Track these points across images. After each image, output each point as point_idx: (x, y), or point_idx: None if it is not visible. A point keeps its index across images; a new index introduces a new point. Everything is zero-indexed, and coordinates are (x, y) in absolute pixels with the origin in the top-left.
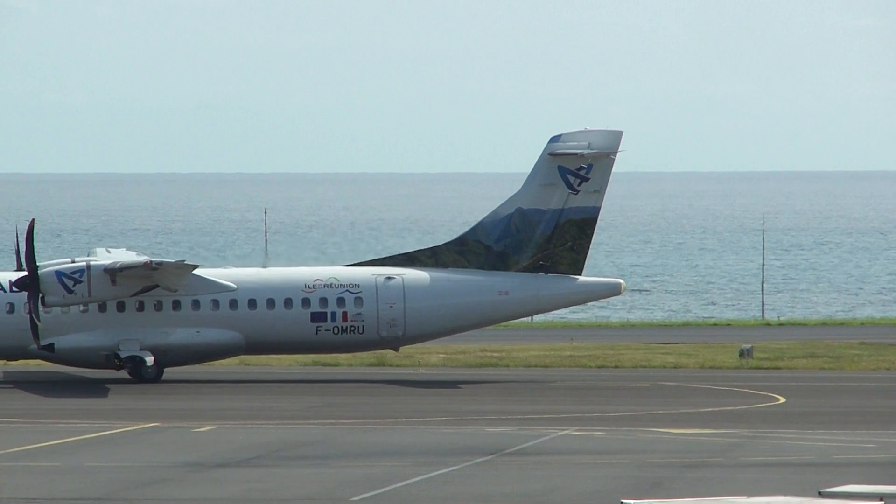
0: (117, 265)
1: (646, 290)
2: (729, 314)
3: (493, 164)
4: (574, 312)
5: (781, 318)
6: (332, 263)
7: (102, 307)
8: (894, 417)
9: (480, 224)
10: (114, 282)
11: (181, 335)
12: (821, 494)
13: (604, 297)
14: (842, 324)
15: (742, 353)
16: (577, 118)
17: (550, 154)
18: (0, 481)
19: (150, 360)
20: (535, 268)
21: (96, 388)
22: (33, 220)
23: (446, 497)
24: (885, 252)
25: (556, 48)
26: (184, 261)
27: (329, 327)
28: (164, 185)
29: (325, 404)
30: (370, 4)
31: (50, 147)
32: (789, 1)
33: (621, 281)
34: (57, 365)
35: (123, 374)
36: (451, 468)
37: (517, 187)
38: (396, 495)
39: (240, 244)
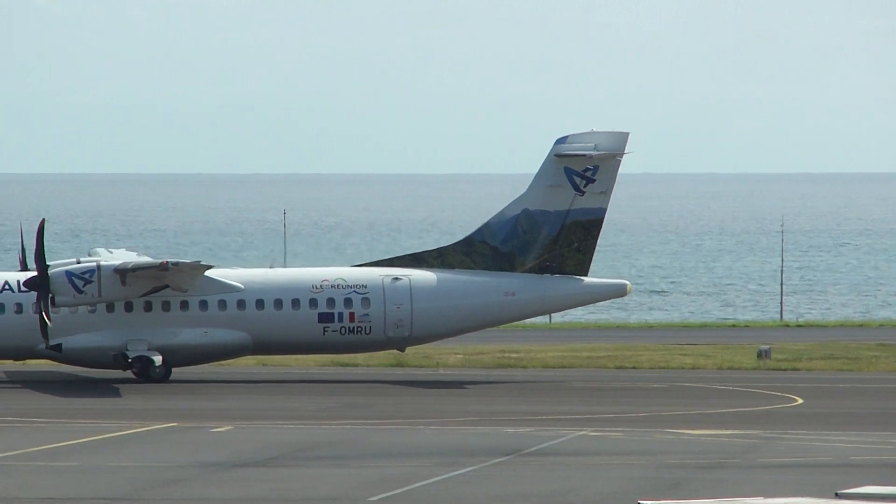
0: (130, 265)
1: (663, 292)
2: (747, 315)
3: (498, 165)
4: (592, 313)
5: (800, 320)
6: (350, 264)
7: (110, 307)
8: None
9: (487, 225)
10: (124, 282)
11: (189, 335)
12: (838, 496)
13: (609, 299)
14: (860, 325)
15: (760, 355)
16: (586, 119)
17: (557, 155)
18: (19, 481)
19: (158, 360)
20: (541, 269)
21: (114, 389)
22: (43, 220)
23: (464, 497)
24: None
25: (564, 49)
26: (200, 261)
27: (336, 328)
28: (184, 186)
29: (343, 405)
30: (389, 9)
31: (69, 147)
32: (807, 1)
33: (627, 282)
34: (63, 365)
35: (129, 373)
36: (468, 468)
37: (523, 188)
38: (414, 496)
39: (258, 244)
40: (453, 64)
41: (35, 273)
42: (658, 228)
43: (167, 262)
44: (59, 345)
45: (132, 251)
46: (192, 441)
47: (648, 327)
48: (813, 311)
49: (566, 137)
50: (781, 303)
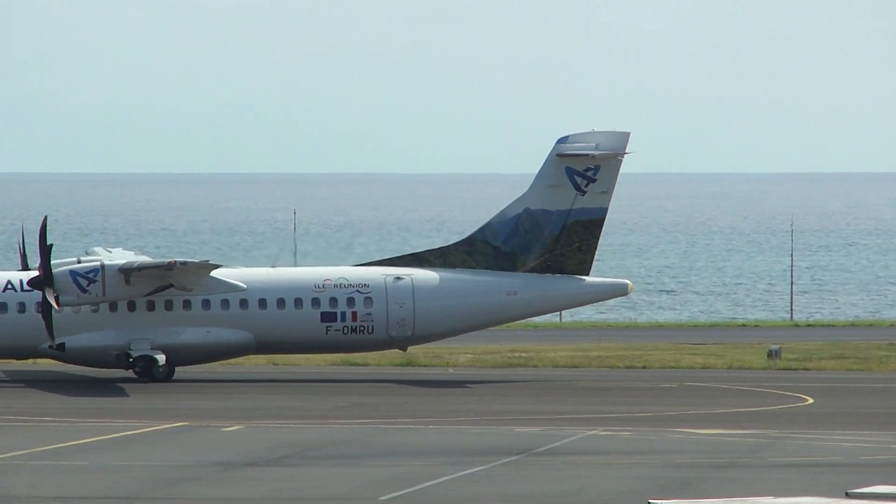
0: (135, 265)
1: (673, 291)
2: (757, 315)
3: (499, 165)
4: (602, 312)
5: (810, 320)
6: (359, 263)
7: (113, 306)
8: None
9: (488, 224)
10: (128, 281)
11: (191, 335)
12: (848, 495)
13: (611, 298)
14: (870, 325)
15: (770, 354)
16: (587, 119)
17: (558, 155)
18: (28, 480)
19: (161, 359)
20: (542, 268)
21: (122, 388)
22: (46, 218)
23: (474, 497)
24: None
25: (565, 48)
26: (208, 261)
27: (339, 327)
28: (191, 186)
29: (353, 404)
30: (393, 10)
31: (78, 147)
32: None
33: (628, 282)
34: (65, 364)
35: (129, 373)
36: (478, 468)
37: (524, 188)
38: (424, 495)
39: (267, 244)
40: (454, 64)
41: (39, 272)
42: (668, 228)
43: (175, 262)
44: (63, 344)
45: (129, 251)
46: (202, 440)
47: (658, 327)
48: (822, 311)
49: (567, 137)
50: (791, 302)
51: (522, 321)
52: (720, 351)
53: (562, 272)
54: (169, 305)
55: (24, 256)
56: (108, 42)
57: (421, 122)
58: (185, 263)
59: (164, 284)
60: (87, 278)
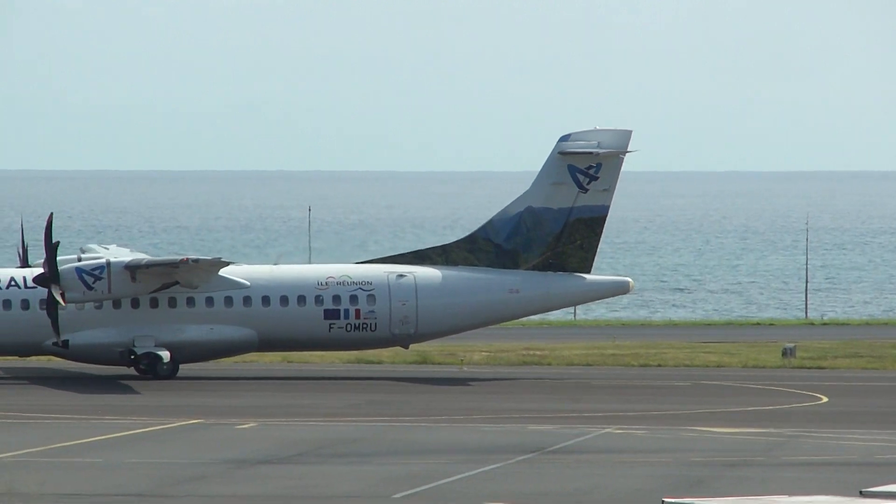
0: (143, 262)
1: (687, 290)
2: (771, 313)
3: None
4: (615, 311)
5: (824, 318)
6: (362, 261)
7: (116, 303)
8: None
9: (490, 222)
10: (134, 278)
11: (195, 332)
12: (862, 494)
13: (613, 296)
14: (885, 323)
15: (785, 353)
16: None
17: (560, 153)
18: (41, 477)
19: (166, 356)
20: (544, 266)
21: (133, 386)
22: (52, 215)
23: (488, 495)
24: None
25: (566, 46)
26: (220, 258)
27: (342, 324)
28: (205, 183)
29: (367, 401)
30: (399, 10)
31: (91, 145)
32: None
33: (629, 279)
34: (65, 362)
35: (131, 370)
36: (492, 466)
37: (526, 186)
38: (438, 493)
39: (282, 241)
40: (455, 63)
41: (44, 269)
42: (682, 226)
43: (188, 259)
44: (66, 341)
45: (124, 247)
46: (215, 437)
47: (672, 325)
48: (836, 310)
49: (569, 135)
50: (806, 301)
51: (538, 319)
52: (734, 349)
53: (563, 270)
54: (172, 302)
55: (24, 253)
56: (121, 40)
57: (437, 120)
58: (197, 260)
59: (169, 282)
60: (93, 275)
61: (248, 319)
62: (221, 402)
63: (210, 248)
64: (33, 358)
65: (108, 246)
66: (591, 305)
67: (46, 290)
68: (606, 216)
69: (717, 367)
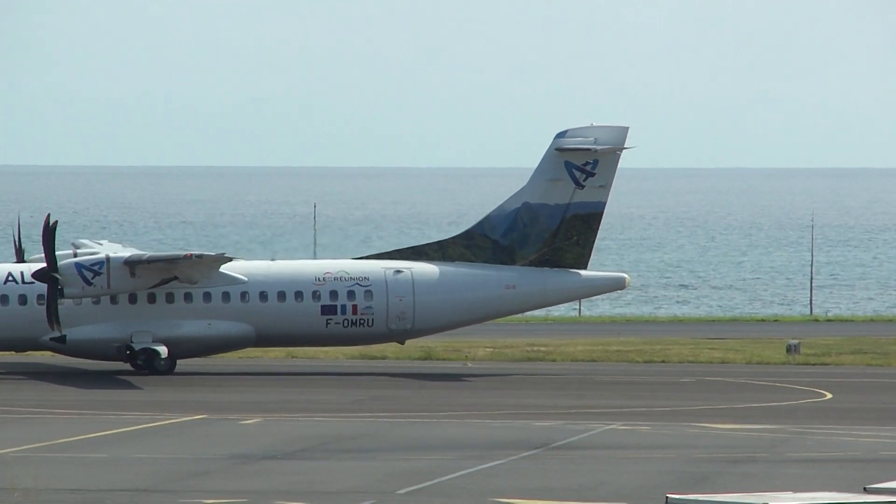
0: (144, 257)
1: (691, 286)
2: (776, 310)
3: (498, 159)
4: (620, 307)
5: (829, 314)
6: (358, 256)
7: (114, 299)
8: None
9: (487, 218)
10: (133, 274)
11: (192, 327)
12: (866, 490)
13: (609, 292)
14: (889, 320)
15: (789, 349)
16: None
17: (557, 149)
18: (47, 472)
19: (163, 351)
20: (540, 262)
21: (136, 381)
22: (49, 216)
23: (492, 490)
24: None
25: (567, 44)
26: (224, 254)
27: (339, 320)
28: (212, 179)
29: (371, 397)
30: (404, 9)
31: (97, 140)
32: None
33: (626, 275)
34: (61, 357)
35: (127, 365)
36: (497, 462)
37: (523, 182)
38: (442, 489)
39: (287, 237)
40: (455, 62)
41: (43, 264)
42: (686, 223)
43: (192, 254)
44: (63, 336)
45: (116, 243)
46: (220, 433)
47: (677, 321)
48: (841, 306)
49: (566, 131)
50: (811, 297)
51: (541, 315)
52: (739, 346)
53: (560, 266)
54: (170, 298)
55: (19, 248)
56: (127, 36)
57: (442, 116)
58: (201, 256)
59: (168, 277)
60: (92, 271)
61: (245, 315)
62: (225, 397)
63: (215, 244)
64: (33, 353)
65: (100, 241)
66: (596, 301)
67: (45, 285)
68: (603, 212)
69: (722, 363)
